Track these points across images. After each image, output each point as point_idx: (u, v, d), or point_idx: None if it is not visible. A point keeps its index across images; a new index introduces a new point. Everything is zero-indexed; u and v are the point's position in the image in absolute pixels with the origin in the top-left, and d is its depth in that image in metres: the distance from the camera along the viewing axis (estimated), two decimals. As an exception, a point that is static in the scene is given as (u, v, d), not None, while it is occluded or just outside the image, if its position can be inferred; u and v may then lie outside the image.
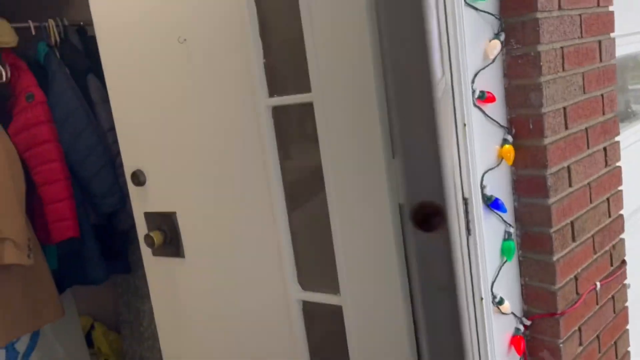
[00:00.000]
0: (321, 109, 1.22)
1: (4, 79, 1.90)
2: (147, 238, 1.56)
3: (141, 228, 1.64)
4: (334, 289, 1.32)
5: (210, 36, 1.34)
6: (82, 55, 2.10)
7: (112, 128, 1.92)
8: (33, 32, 2.06)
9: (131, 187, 1.62)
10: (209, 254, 1.54)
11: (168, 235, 1.59)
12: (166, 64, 1.44)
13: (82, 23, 2.18)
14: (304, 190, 1.40)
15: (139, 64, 1.50)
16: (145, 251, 1.65)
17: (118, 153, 1.92)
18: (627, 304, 1.64)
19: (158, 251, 1.62)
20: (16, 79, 1.95)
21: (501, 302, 1.27)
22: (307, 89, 1.24)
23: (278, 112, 1.33)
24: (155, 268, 1.66)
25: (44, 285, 2.02)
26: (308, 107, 1.25)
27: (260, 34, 1.28)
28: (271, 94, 1.32)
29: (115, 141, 1.84)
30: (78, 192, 1.97)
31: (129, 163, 1.61)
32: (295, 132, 1.41)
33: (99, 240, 2.07)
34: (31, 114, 1.89)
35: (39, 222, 2.00)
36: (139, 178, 1.59)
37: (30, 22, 2.04)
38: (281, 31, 1.32)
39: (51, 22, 2.08)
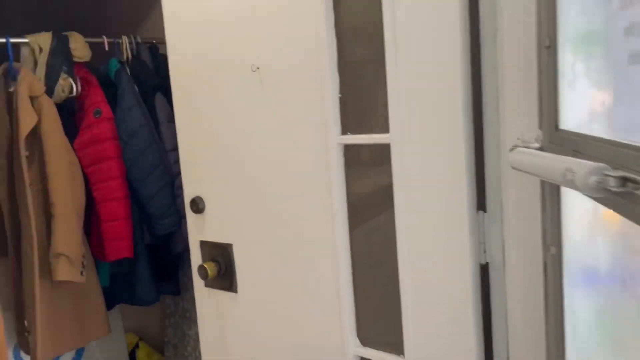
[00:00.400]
0: (399, 152, 1.12)
1: (75, 92, 1.91)
2: (201, 269, 1.49)
3: (195, 256, 1.58)
4: (398, 349, 1.19)
5: (285, 66, 1.27)
6: (151, 73, 2.10)
7: (175, 148, 1.89)
8: (106, 48, 2.08)
9: (189, 213, 1.57)
10: (263, 292, 1.45)
11: (222, 268, 1.51)
12: (236, 90, 1.38)
13: (154, 40, 2.18)
14: (371, 237, 1.29)
15: (208, 87, 1.45)
16: (197, 280, 1.58)
17: (178, 174, 1.88)
18: None
19: (210, 283, 1.55)
20: (86, 93, 1.95)
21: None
22: (383, 128, 1.14)
23: (349, 150, 1.24)
24: (206, 299, 1.59)
25: (93, 303, 1.99)
26: (384, 148, 1.15)
27: (338, 67, 1.20)
28: (344, 131, 1.22)
29: (177, 161, 1.80)
30: (136, 211, 1.95)
31: (189, 188, 1.56)
32: (366, 172, 1.31)
33: (151, 260, 2.03)
34: (97, 129, 1.89)
35: (95, 238, 1.98)
36: (198, 205, 1.53)
37: (104, 37, 2.06)
38: (361, 66, 1.23)
39: (124, 38, 2.09)
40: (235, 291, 1.51)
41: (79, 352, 2.29)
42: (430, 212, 1.10)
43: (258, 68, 1.30)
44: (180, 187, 1.60)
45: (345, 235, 1.26)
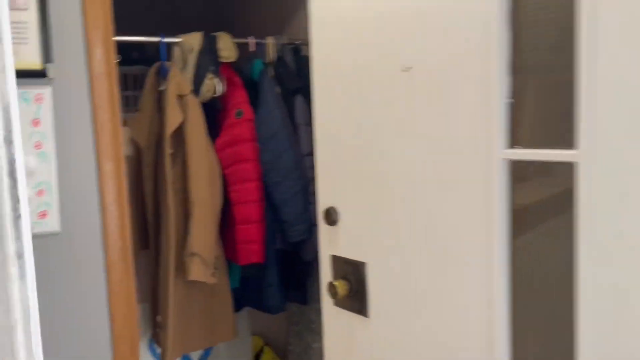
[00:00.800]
0: (589, 173, 0.88)
1: (220, 93, 1.91)
2: (331, 288, 1.37)
3: (325, 271, 1.46)
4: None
5: (442, 66, 1.09)
6: (294, 75, 2.04)
7: (311, 153, 1.80)
8: (253, 49, 2.06)
9: (321, 224, 1.46)
10: (400, 320, 1.28)
11: (354, 288, 1.38)
12: (383, 94, 1.23)
13: (298, 42, 2.12)
14: (536, 265, 1.06)
15: (351, 90, 1.32)
16: (327, 297, 1.46)
17: (312, 180, 1.79)
18: None
19: (340, 302, 1.42)
20: (230, 93, 1.95)
21: None
22: (566, 143, 0.91)
23: (515, 166, 1.03)
24: (334, 319, 1.47)
25: (223, 305, 1.98)
26: (566, 167, 0.92)
27: (508, 68, 0.99)
28: (511, 143, 1.01)
29: (312, 167, 1.70)
30: (269, 215, 1.89)
31: (324, 198, 1.45)
32: (535, 193, 1.08)
33: (281, 266, 1.97)
34: (238, 130, 1.87)
35: (229, 240, 1.97)
36: (331, 216, 1.41)
37: (251, 38, 2.04)
38: (540, 66, 1.01)
39: (270, 40, 2.06)
40: (367, 315, 1.36)
41: (207, 351, 2.31)
42: (623, 245, 0.85)
43: (410, 68, 1.14)
44: (314, 193, 1.50)
45: (506, 257, 1.05)
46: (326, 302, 1.47)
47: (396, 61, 1.18)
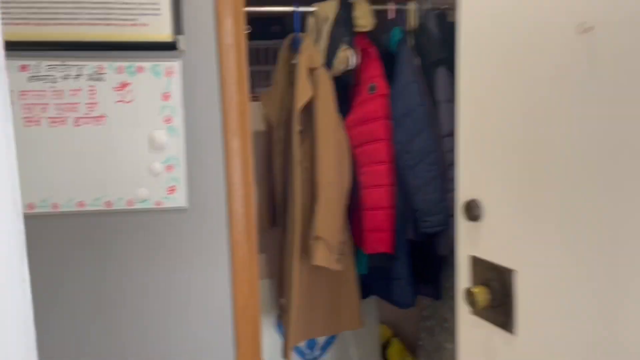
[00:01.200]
0: None
1: (354, 65, 1.75)
2: (468, 295, 1.16)
3: (463, 274, 1.26)
4: None
5: (635, 23, 0.81)
6: (437, 45, 1.80)
7: (451, 134, 1.58)
8: (392, 16, 1.87)
9: (460, 219, 1.25)
10: (557, 343, 1.04)
11: (497, 297, 1.16)
12: (549, 63, 0.98)
13: (445, 7, 1.88)
14: None
15: (506, 59, 1.08)
16: (462, 304, 1.26)
17: (451, 165, 1.57)
18: None
19: (479, 311, 1.21)
20: (364, 66, 1.78)
21: None
22: None
23: None
24: (470, 330, 1.26)
25: (348, 293, 1.86)
26: None
27: None
28: None
29: (452, 150, 1.49)
30: (400, 202, 1.71)
31: (465, 188, 1.23)
32: None
33: (412, 259, 1.79)
34: (371, 107, 1.71)
35: (357, 225, 1.83)
36: (472, 211, 1.19)
37: (391, 4, 1.85)
38: None
39: (412, 5, 1.84)
40: (511, 331, 1.13)
41: (332, 337, 2.23)
42: None
43: (590, 29, 0.87)
44: (453, 180, 1.29)
45: None
46: (462, 309, 1.27)
47: (570, 20, 0.91)
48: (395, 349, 2.33)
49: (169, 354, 1.54)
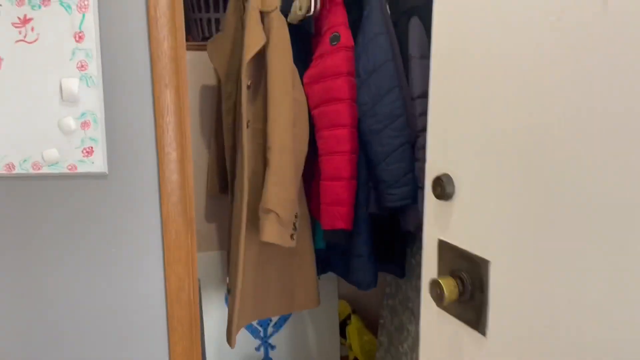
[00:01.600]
0: None
1: (312, 11, 1.51)
2: (434, 287, 0.98)
3: (429, 260, 1.07)
4: None
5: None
6: (410, -9, 1.57)
7: (424, 95, 1.37)
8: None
9: (429, 196, 1.05)
10: (532, 347, 0.86)
11: (467, 291, 0.97)
12: (545, 11, 0.76)
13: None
14: None
15: (491, 7, 0.86)
16: (427, 297, 1.08)
17: (422, 130, 1.37)
18: None
19: (446, 307, 1.03)
20: (327, 12, 1.54)
21: None
22: None
23: None
24: (435, 325, 1.08)
25: (304, 271, 1.67)
26: None
27: None
28: None
29: (424, 114, 1.29)
30: (363, 172, 1.51)
31: (436, 159, 1.03)
32: None
33: (373, 234, 1.59)
34: (331, 61, 1.47)
35: (315, 196, 1.63)
36: (443, 187, 0.99)
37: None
38: None
39: (384, -57, 1.58)
40: (483, 333, 0.96)
41: (287, 315, 2.06)
42: None
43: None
44: (424, 148, 1.09)
45: None
46: (427, 300, 1.09)
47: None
48: (354, 326, 2.17)
49: (96, 345, 1.33)
